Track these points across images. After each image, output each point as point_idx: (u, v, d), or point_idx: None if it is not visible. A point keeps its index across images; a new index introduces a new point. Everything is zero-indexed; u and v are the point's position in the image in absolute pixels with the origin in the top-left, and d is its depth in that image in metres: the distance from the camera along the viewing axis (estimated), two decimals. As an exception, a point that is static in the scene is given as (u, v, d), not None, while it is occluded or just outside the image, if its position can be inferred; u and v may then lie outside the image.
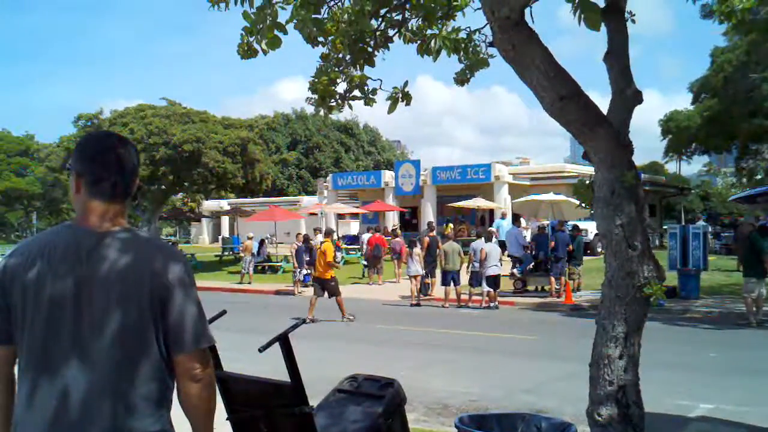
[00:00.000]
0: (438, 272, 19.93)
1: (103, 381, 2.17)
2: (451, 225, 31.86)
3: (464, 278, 19.26)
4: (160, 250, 2.31)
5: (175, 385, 2.32)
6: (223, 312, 3.95)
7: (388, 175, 40.65)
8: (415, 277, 19.75)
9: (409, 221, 40.03)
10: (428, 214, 36.61)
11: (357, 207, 40.90)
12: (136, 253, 2.24)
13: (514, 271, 21.23)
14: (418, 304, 19.45)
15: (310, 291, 23.72)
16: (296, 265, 23.56)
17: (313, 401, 3.82)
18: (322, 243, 17.03)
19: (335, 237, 23.89)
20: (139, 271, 2.21)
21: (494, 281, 18.35)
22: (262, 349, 3.62)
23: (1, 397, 2.30)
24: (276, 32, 4.62)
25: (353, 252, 33.17)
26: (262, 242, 30.74)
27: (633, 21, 4.31)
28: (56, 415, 2.15)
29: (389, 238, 27.60)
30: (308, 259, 24.49)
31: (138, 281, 2.20)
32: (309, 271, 24.84)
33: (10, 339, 2.25)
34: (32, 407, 2.18)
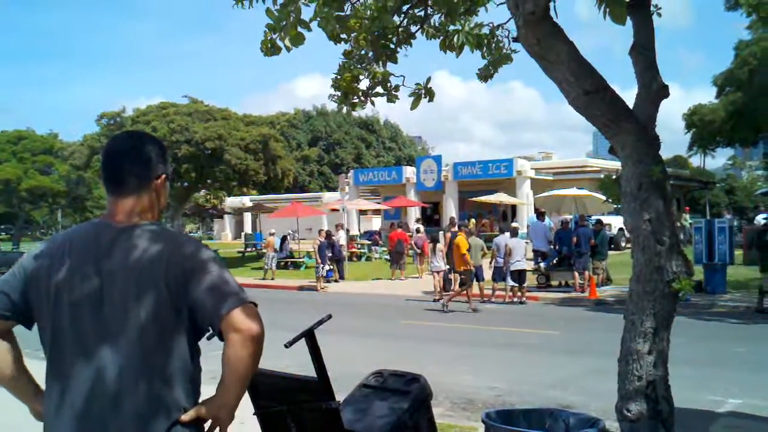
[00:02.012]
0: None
1: (129, 369, 2.20)
2: (473, 220, 31.77)
3: (487, 273, 19.20)
4: (179, 239, 2.35)
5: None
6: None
7: (409, 171, 40.66)
8: (438, 272, 19.73)
9: (431, 217, 40.00)
10: (450, 209, 36.59)
11: (378, 203, 40.91)
12: (153, 244, 2.27)
13: (541, 265, 21.11)
14: (441, 300, 19.42)
15: (332, 287, 23.91)
16: (319, 260, 23.63)
17: (339, 396, 3.83)
18: (455, 236, 17.36)
19: (351, 231, 23.71)
20: (157, 259, 2.24)
21: (519, 276, 18.29)
22: (288, 345, 3.63)
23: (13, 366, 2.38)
24: (299, 29, 4.63)
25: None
26: (284, 238, 30.86)
27: (659, 14, 4.27)
28: (90, 400, 2.20)
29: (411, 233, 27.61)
30: (330, 255, 24.57)
31: (155, 269, 2.23)
32: (331, 267, 24.93)
33: (9, 316, 2.32)
34: (65, 397, 2.24)
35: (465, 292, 17.33)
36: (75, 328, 2.24)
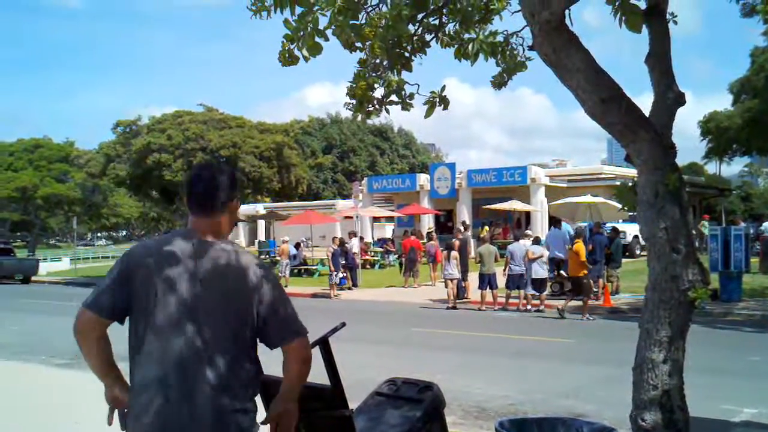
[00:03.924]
0: (475, 275, 19.85)
1: (208, 358, 2.70)
2: (486, 227, 31.71)
3: (501, 281, 19.16)
4: (256, 260, 2.89)
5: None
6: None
7: (423, 178, 40.64)
8: (451, 280, 19.68)
9: (445, 224, 39.96)
10: (464, 216, 36.53)
11: (392, 210, 40.92)
12: (237, 261, 2.82)
13: (561, 272, 21.01)
14: (454, 307, 19.39)
15: (345, 294, 23.91)
16: (332, 268, 23.65)
17: (352, 404, 3.83)
18: (574, 243, 17.41)
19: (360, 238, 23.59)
20: (239, 276, 2.78)
21: (540, 285, 18.29)
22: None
23: (103, 354, 2.84)
24: (316, 39, 4.64)
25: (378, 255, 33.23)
26: (298, 246, 30.91)
27: (675, 22, 4.26)
28: (172, 386, 2.67)
29: (424, 241, 27.59)
30: (344, 262, 24.59)
31: (237, 283, 2.78)
32: (345, 275, 24.94)
33: (112, 315, 2.78)
34: (151, 381, 2.69)
35: (584, 300, 17.16)
36: (165, 321, 2.70)
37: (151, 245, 2.90)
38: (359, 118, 5.52)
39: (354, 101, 5.35)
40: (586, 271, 17.17)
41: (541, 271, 18.20)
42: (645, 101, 4.18)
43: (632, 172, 4.00)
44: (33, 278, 36.33)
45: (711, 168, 58.70)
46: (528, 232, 22.29)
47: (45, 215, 60.80)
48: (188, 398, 2.66)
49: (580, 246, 17.16)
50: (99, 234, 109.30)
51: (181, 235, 2.90)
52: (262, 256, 37.32)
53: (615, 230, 20.39)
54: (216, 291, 2.74)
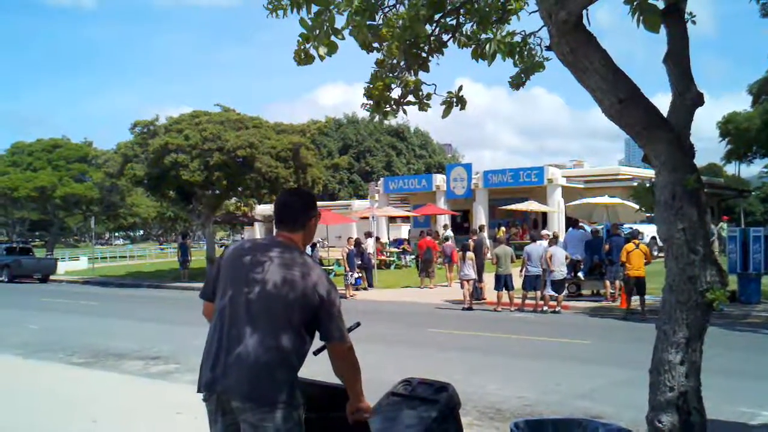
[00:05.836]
0: (489, 276, 19.80)
1: (263, 334, 3.28)
2: (503, 228, 31.63)
3: (518, 282, 19.11)
4: (320, 271, 3.48)
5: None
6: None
7: (439, 179, 40.57)
8: (467, 280, 19.65)
9: (461, 225, 39.91)
10: (480, 217, 36.44)
11: (408, 210, 40.88)
12: (298, 262, 3.43)
13: (579, 275, 20.92)
14: (470, 308, 19.36)
15: (361, 295, 23.93)
16: (348, 268, 23.67)
17: (368, 404, 3.82)
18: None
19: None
20: (304, 278, 3.37)
21: (560, 285, 18.25)
22: (316, 353, 3.66)
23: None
24: (332, 38, 4.65)
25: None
26: (314, 246, 30.93)
27: (693, 22, 4.23)
28: (234, 353, 3.29)
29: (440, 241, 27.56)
30: (359, 262, 24.59)
31: (300, 284, 3.35)
32: (360, 275, 24.96)
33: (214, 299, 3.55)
34: (220, 337, 3.36)
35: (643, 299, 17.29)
36: (238, 297, 3.38)
37: (238, 245, 3.66)
38: (376, 118, 5.50)
39: (371, 102, 5.34)
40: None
41: (562, 272, 18.18)
42: (658, 102, 4.15)
43: (650, 173, 3.96)
44: (51, 277, 36.66)
45: (730, 169, 58.21)
46: (544, 232, 22.19)
47: (63, 215, 61.02)
48: (228, 357, 3.30)
49: (645, 248, 17.48)
50: (117, 234, 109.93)
51: (265, 241, 3.64)
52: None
53: (635, 232, 20.27)
54: (274, 284, 3.33)
